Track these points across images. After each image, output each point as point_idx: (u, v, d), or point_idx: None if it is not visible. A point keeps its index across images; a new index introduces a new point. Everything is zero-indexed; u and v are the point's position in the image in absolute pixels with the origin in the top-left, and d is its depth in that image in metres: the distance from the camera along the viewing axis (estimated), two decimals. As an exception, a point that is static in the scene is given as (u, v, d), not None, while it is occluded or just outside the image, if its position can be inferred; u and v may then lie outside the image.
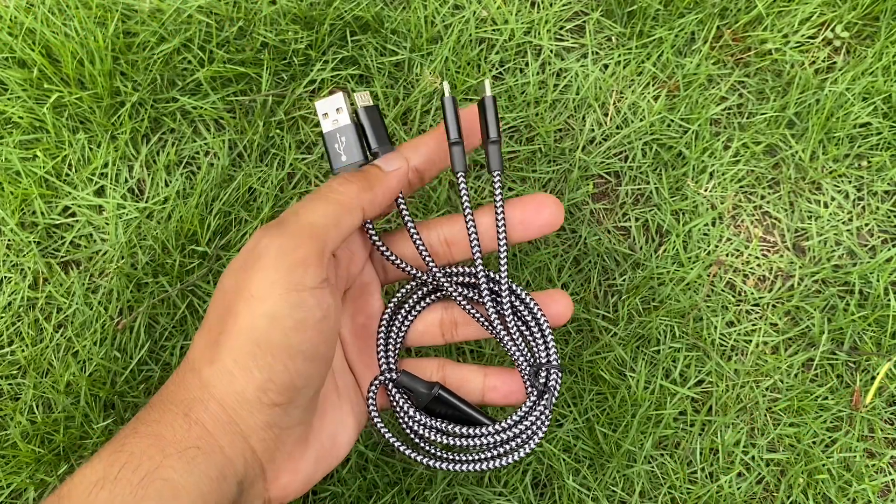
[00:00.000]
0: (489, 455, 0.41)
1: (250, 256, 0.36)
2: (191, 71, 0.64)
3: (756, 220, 0.66)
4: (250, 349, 0.34)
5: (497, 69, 0.67)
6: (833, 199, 0.66)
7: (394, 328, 0.44)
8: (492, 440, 0.41)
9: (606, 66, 0.68)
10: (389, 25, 0.66)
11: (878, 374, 0.62)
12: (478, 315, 0.42)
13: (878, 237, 0.66)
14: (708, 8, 0.69)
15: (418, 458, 0.42)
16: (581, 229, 0.64)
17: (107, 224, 0.62)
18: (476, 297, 0.43)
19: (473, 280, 0.43)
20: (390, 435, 0.43)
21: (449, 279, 0.42)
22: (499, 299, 0.42)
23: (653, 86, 0.68)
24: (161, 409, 0.35)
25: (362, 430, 0.43)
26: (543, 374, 0.42)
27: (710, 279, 0.64)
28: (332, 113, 0.40)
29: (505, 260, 0.41)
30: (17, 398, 0.59)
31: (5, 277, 0.61)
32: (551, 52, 0.68)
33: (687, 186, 0.65)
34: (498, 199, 0.40)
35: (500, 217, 0.41)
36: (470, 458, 0.41)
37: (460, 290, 0.42)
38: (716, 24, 0.69)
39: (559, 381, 0.41)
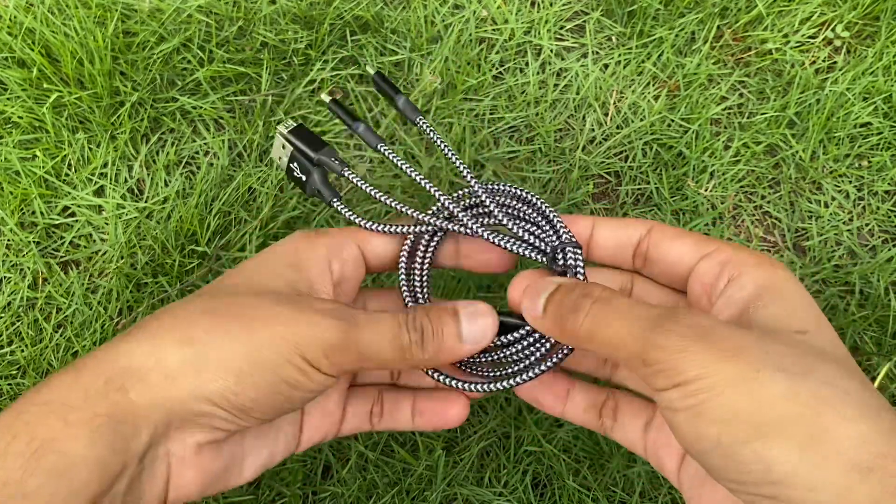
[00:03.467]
0: (534, 359, 0.38)
1: (306, 311, 0.35)
2: (190, 71, 0.64)
3: (756, 220, 0.66)
4: (244, 366, 0.34)
5: (497, 69, 0.67)
6: (833, 198, 0.66)
7: (415, 271, 0.41)
8: (533, 340, 0.38)
9: (607, 66, 0.68)
10: (389, 25, 0.66)
11: (878, 374, 0.62)
12: (480, 229, 0.40)
13: (879, 237, 0.66)
14: (708, 8, 0.69)
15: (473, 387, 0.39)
16: (581, 229, 0.64)
17: (106, 224, 0.62)
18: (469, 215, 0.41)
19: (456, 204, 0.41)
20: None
21: (446, 213, 0.42)
22: (488, 207, 0.41)
23: (653, 85, 0.68)
24: (75, 374, 0.33)
25: (274, 464, 0.42)
26: (560, 255, 0.38)
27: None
28: (281, 152, 0.43)
29: (466, 170, 0.41)
30: (17, 398, 0.59)
31: (5, 277, 0.61)
32: (551, 51, 0.68)
33: (687, 186, 0.65)
34: (433, 136, 0.43)
35: (447, 152, 0.42)
36: (517, 368, 0.38)
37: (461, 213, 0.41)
38: (716, 23, 0.69)
39: (579, 257, 0.38)
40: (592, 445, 0.59)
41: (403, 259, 0.42)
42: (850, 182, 0.67)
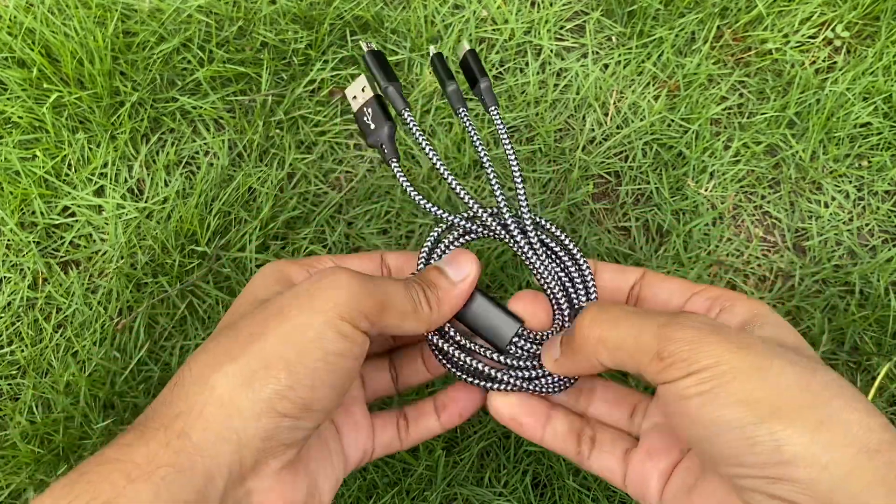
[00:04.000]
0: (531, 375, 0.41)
1: (325, 279, 0.36)
2: (190, 71, 0.64)
3: (756, 220, 0.66)
4: (288, 352, 0.33)
5: (497, 69, 0.67)
6: (833, 198, 0.66)
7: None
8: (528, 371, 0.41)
9: (607, 66, 0.68)
10: (389, 25, 0.66)
11: (878, 374, 0.62)
12: (514, 249, 0.42)
13: (879, 237, 0.66)
14: (708, 8, 0.69)
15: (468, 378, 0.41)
16: (581, 229, 0.64)
17: (106, 224, 0.62)
18: (505, 237, 0.42)
19: (498, 221, 0.42)
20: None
21: (481, 220, 0.42)
22: (527, 235, 0.42)
23: (653, 85, 0.68)
24: (139, 431, 0.33)
25: (340, 485, 0.42)
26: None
27: (711, 279, 0.64)
28: (359, 93, 0.42)
29: (524, 193, 0.42)
30: (17, 398, 0.59)
31: (5, 277, 0.61)
32: (551, 51, 0.68)
33: (687, 186, 0.65)
34: (501, 131, 0.42)
35: (508, 150, 0.42)
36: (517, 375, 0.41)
37: (491, 230, 0.42)
38: (716, 23, 0.69)
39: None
40: (592, 445, 0.59)
41: (422, 261, 0.43)
42: (850, 182, 0.67)
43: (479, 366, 0.40)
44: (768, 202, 0.66)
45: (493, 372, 0.40)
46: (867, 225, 0.66)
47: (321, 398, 0.34)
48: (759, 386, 0.29)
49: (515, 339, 0.40)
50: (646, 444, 0.39)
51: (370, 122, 0.42)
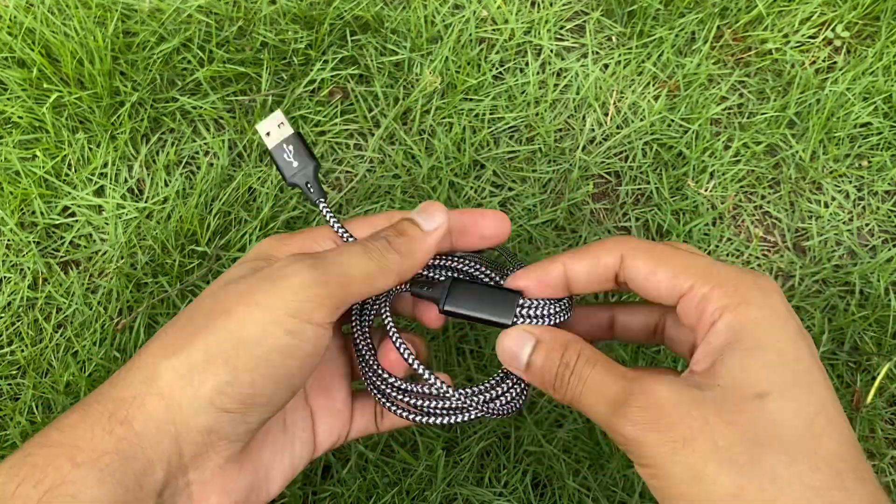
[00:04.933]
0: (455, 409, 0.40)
1: (274, 272, 0.35)
2: (190, 71, 0.64)
3: (756, 220, 0.66)
4: (229, 349, 0.33)
5: (497, 69, 0.67)
6: (833, 198, 0.66)
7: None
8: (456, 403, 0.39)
9: (607, 66, 0.68)
10: (389, 25, 0.66)
11: (878, 374, 0.62)
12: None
13: (879, 237, 0.66)
14: (708, 8, 0.69)
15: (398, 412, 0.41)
16: (581, 229, 0.64)
17: (106, 224, 0.62)
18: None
19: None
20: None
21: None
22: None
23: (653, 85, 0.68)
24: (83, 412, 0.33)
25: (298, 472, 0.42)
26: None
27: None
28: (274, 129, 0.41)
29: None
30: (17, 398, 0.59)
31: (5, 277, 0.61)
32: (551, 51, 0.68)
33: (687, 186, 0.65)
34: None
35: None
36: (436, 410, 0.40)
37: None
38: (716, 23, 0.69)
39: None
40: (592, 445, 0.59)
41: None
42: (850, 182, 0.67)
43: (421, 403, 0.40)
44: (768, 202, 0.66)
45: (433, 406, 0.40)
46: (867, 225, 0.66)
47: (265, 394, 0.34)
48: (695, 498, 0.29)
49: (520, 310, 0.38)
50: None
51: (292, 160, 0.41)
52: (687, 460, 0.29)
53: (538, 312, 0.38)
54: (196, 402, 0.33)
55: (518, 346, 0.37)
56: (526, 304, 0.38)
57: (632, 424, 0.31)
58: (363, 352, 0.41)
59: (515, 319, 0.38)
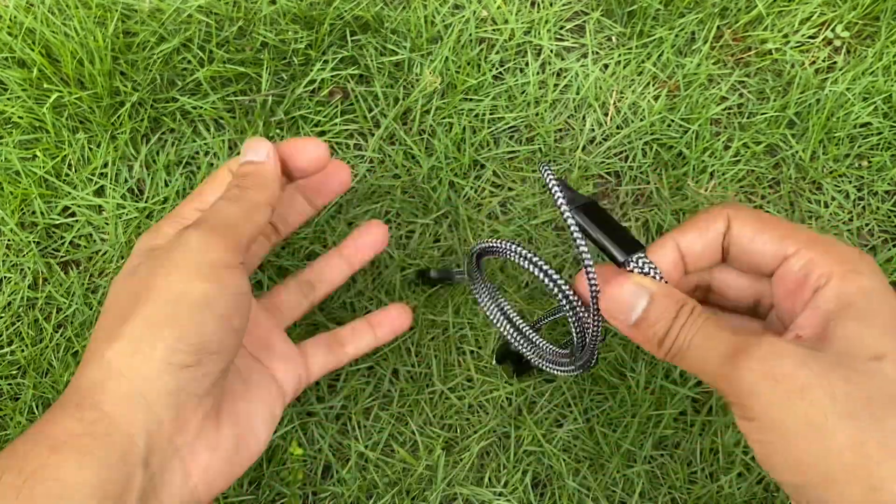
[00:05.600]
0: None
1: (169, 245, 0.38)
2: (190, 71, 0.64)
3: (756, 220, 0.66)
4: (166, 312, 0.35)
5: (497, 69, 0.67)
6: (833, 198, 0.66)
7: None
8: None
9: (606, 66, 0.68)
10: (389, 25, 0.66)
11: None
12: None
13: (879, 237, 0.66)
14: (708, 8, 0.69)
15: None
16: (581, 229, 0.64)
17: (106, 224, 0.62)
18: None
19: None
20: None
21: None
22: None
23: (653, 86, 0.68)
24: (57, 409, 0.34)
25: (279, 418, 0.45)
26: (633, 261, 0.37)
27: (711, 279, 0.64)
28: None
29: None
30: (17, 398, 0.59)
31: (5, 277, 0.61)
32: (551, 51, 0.68)
33: (687, 186, 0.65)
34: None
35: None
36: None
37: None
38: (716, 23, 0.69)
39: (649, 262, 0.36)
40: (592, 445, 0.59)
41: None
42: (850, 182, 0.67)
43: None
44: (768, 202, 0.66)
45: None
46: (867, 225, 0.66)
47: (213, 340, 0.36)
48: (815, 450, 0.28)
49: (638, 259, 0.36)
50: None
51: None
52: (804, 411, 0.29)
53: (649, 271, 0.36)
54: (153, 366, 0.34)
55: (634, 298, 0.35)
56: (643, 259, 0.36)
57: (749, 372, 0.30)
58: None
59: (630, 262, 0.36)
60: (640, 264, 0.36)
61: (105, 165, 0.62)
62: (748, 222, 0.35)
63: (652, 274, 0.36)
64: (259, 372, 0.45)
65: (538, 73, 0.67)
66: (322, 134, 0.64)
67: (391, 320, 0.53)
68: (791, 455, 0.29)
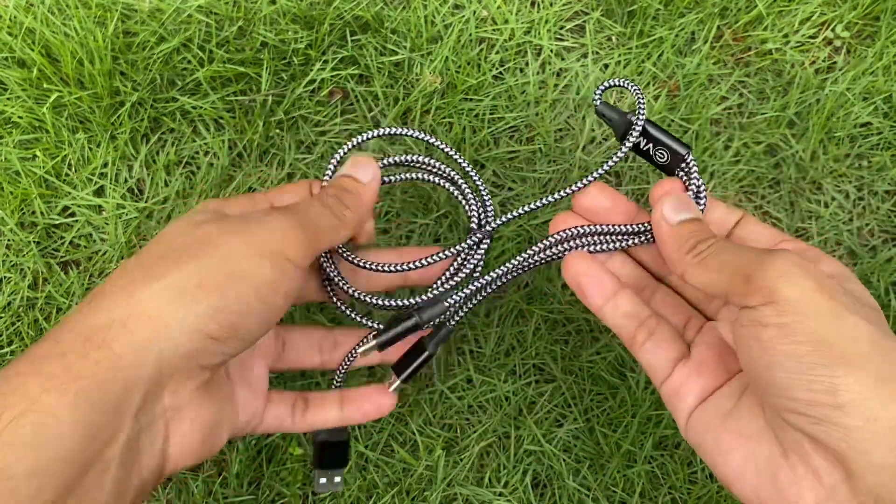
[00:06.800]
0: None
1: (252, 216, 0.37)
2: (190, 71, 0.64)
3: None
4: (220, 277, 0.34)
5: (497, 69, 0.67)
6: (833, 198, 0.66)
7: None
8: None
9: (607, 66, 0.68)
10: (389, 25, 0.66)
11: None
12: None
13: (879, 237, 0.66)
14: (708, 8, 0.69)
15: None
16: (581, 229, 0.64)
17: (106, 224, 0.62)
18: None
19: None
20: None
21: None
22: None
23: (653, 85, 0.68)
24: (53, 341, 0.32)
25: (225, 442, 0.42)
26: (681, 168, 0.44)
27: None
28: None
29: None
30: (17, 398, 0.59)
31: (5, 277, 0.61)
32: (551, 51, 0.68)
33: (687, 186, 0.65)
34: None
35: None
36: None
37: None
38: (716, 23, 0.69)
39: (697, 175, 0.44)
40: (592, 445, 0.59)
41: (329, 173, 0.46)
42: (850, 182, 0.67)
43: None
44: (768, 202, 0.66)
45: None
46: (867, 225, 0.66)
47: (248, 325, 0.35)
48: (835, 332, 0.31)
49: (688, 160, 0.43)
50: (697, 359, 0.39)
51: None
52: (831, 302, 0.31)
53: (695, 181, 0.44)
54: (186, 323, 0.33)
55: (686, 206, 0.41)
56: (692, 163, 0.43)
57: (784, 261, 0.33)
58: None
59: (687, 156, 0.43)
60: (691, 165, 0.43)
61: (105, 165, 0.62)
62: (755, 219, 0.43)
63: (698, 183, 0.43)
64: (227, 388, 0.42)
65: (538, 73, 0.67)
66: (322, 134, 0.64)
67: (364, 401, 0.46)
68: (815, 332, 0.31)
